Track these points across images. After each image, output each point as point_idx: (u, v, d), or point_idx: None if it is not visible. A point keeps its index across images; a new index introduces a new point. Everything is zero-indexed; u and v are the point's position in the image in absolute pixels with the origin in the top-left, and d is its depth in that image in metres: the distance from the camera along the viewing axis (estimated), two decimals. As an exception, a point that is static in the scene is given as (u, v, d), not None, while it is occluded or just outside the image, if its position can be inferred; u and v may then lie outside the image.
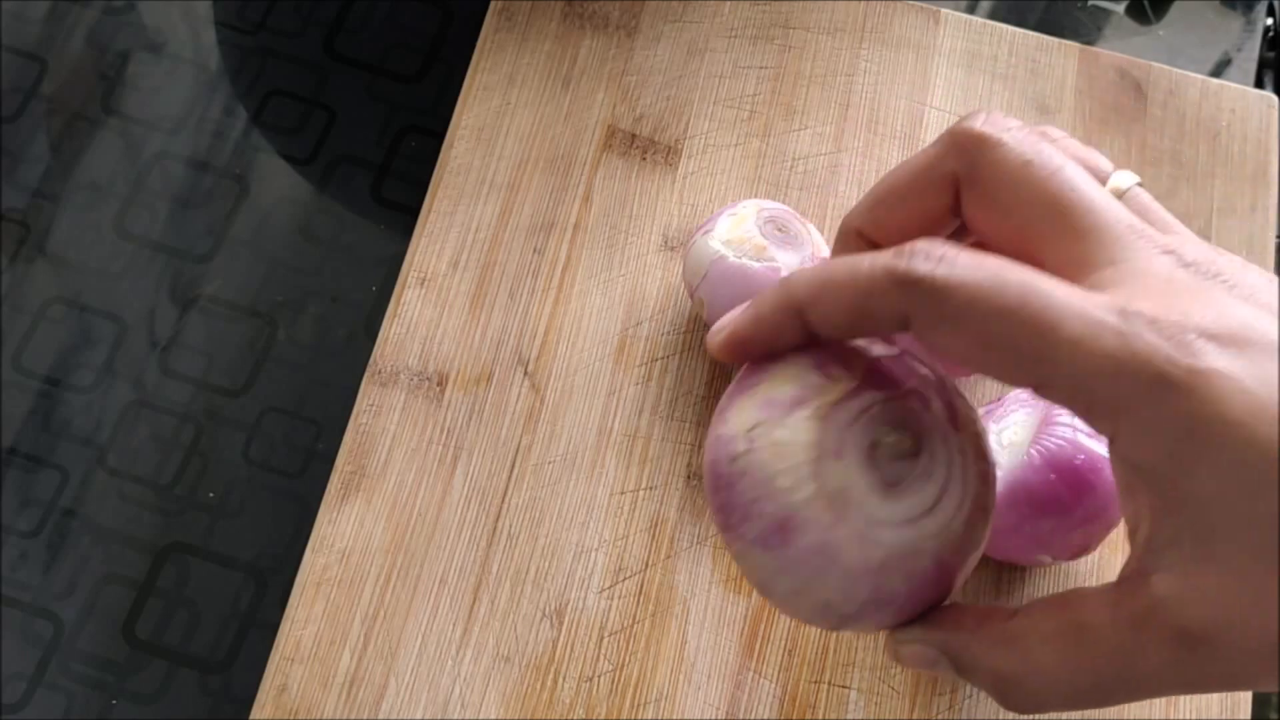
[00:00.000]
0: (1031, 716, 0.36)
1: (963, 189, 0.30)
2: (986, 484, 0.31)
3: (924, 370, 0.32)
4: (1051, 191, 0.29)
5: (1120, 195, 0.31)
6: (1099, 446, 0.37)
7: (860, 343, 0.32)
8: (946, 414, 0.31)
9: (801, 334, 0.31)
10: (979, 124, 0.30)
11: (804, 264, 0.41)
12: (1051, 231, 0.29)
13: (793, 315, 0.31)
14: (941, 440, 0.31)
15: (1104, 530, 0.38)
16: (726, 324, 0.32)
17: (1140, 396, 0.26)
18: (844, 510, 0.30)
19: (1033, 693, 0.29)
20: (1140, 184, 0.32)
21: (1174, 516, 0.27)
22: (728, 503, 0.31)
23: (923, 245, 0.28)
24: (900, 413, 0.31)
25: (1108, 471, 0.37)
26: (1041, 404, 0.39)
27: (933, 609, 0.31)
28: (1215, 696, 0.40)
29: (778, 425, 0.30)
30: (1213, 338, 0.26)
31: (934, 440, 0.31)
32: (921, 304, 0.28)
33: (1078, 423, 0.38)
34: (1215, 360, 0.26)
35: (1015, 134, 0.29)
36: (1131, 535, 0.29)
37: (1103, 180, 0.31)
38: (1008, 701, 0.30)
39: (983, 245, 0.30)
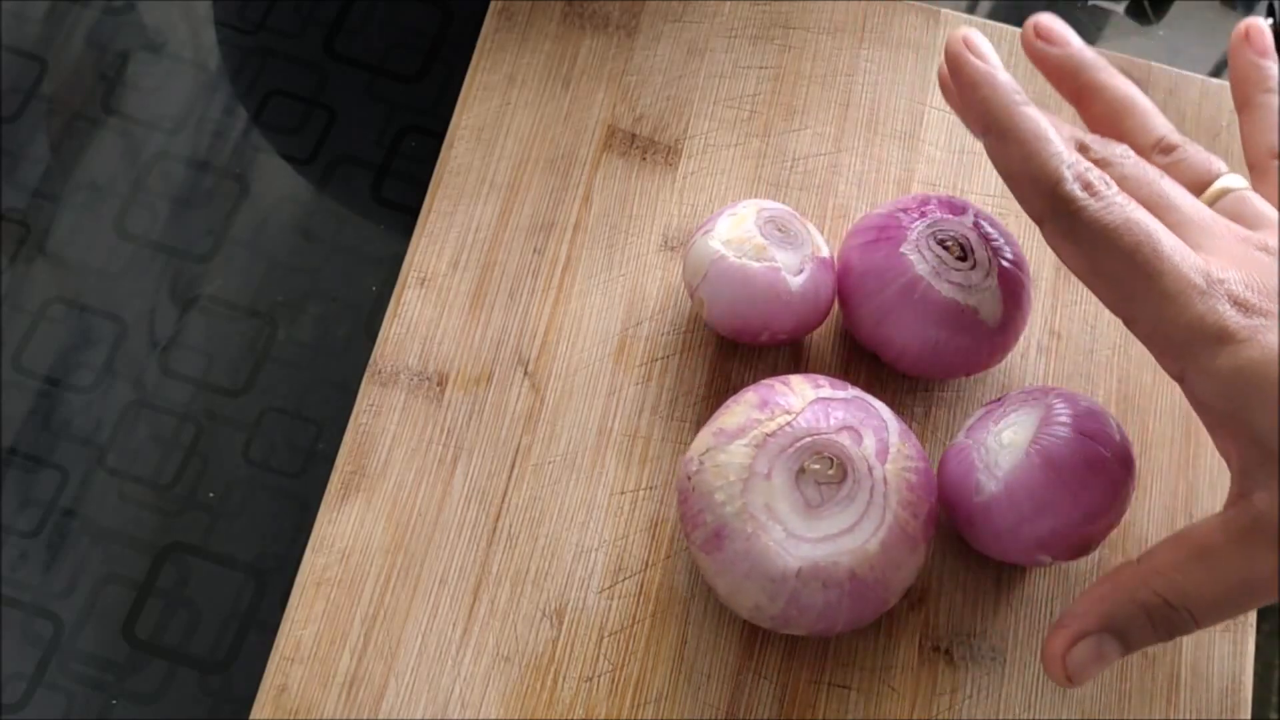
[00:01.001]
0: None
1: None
2: (913, 513, 0.37)
3: (862, 409, 0.37)
4: (1153, 196, 0.35)
5: (1223, 195, 0.37)
6: (1099, 446, 0.37)
7: (808, 383, 0.38)
8: (878, 449, 0.37)
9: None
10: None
11: (804, 264, 0.41)
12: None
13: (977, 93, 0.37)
14: (868, 472, 0.36)
15: (1104, 530, 0.38)
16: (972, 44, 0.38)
17: (1207, 348, 0.32)
18: (766, 523, 0.36)
19: (1188, 613, 0.34)
20: (1247, 188, 0.37)
21: (1251, 444, 0.33)
22: (685, 514, 0.37)
23: (1094, 176, 0.34)
24: (829, 445, 0.36)
25: (1108, 471, 0.37)
26: (1041, 403, 0.39)
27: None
28: (1215, 695, 0.40)
29: (721, 451, 0.37)
30: (1273, 312, 0.32)
31: (860, 471, 0.36)
32: (1059, 214, 0.34)
33: (1077, 422, 0.38)
34: (1270, 319, 0.32)
35: (1121, 155, 0.37)
36: (1229, 464, 0.34)
37: (1210, 181, 0.37)
38: (1172, 631, 0.34)
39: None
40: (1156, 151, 0.38)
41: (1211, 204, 0.37)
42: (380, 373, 0.43)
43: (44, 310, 0.47)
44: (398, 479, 0.41)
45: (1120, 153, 0.36)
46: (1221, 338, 0.32)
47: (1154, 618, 0.34)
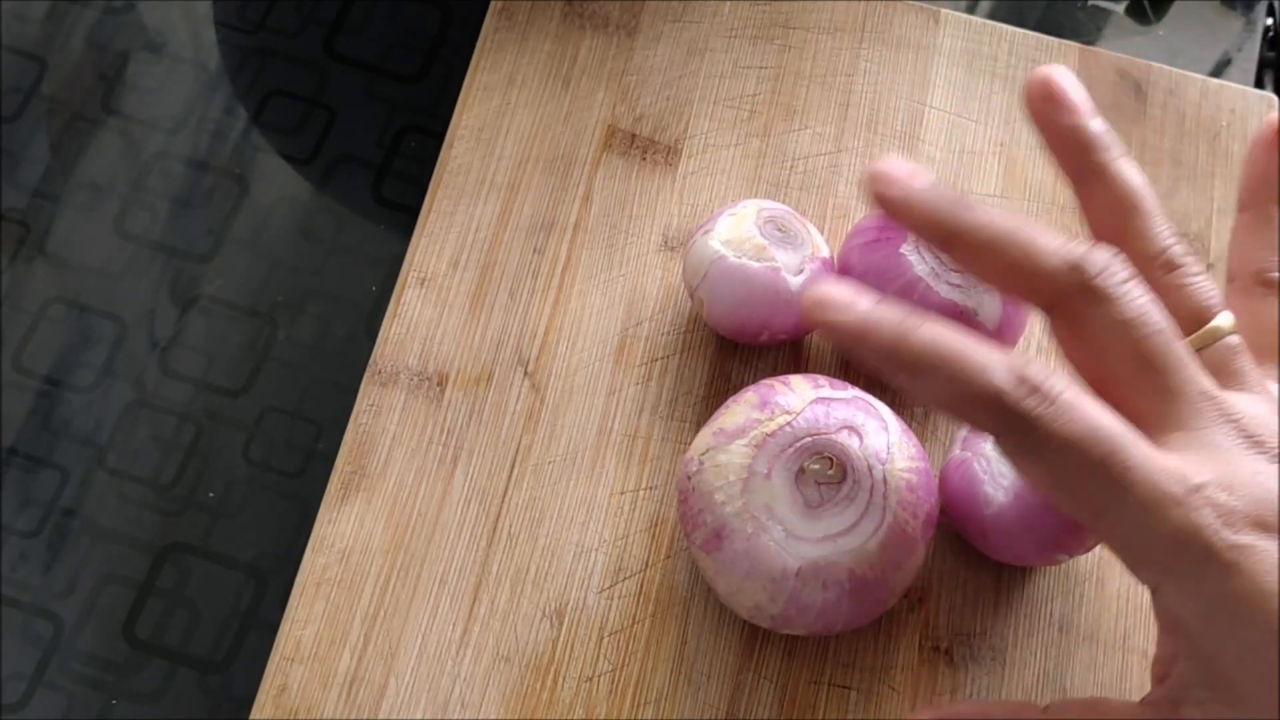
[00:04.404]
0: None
1: (1057, 316, 0.32)
2: (912, 513, 0.37)
3: (862, 409, 0.37)
4: (1145, 351, 0.31)
5: (1218, 338, 0.33)
6: None
7: (808, 383, 0.38)
8: (877, 450, 0.37)
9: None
10: (1095, 273, 0.31)
11: (804, 264, 0.41)
12: (1135, 384, 0.31)
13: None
14: (867, 471, 0.36)
15: None
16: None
17: (1187, 565, 0.30)
18: (767, 523, 0.36)
19: None
20: (1236, 336, 0.33)
21: (1205, 665, 0.31)
22: (684, 514, 0.38)
23: (1035, 373, 0.30)
24: (829, 445, 0.36)
25: None
26: None
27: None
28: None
29: (721, 450, 0.37)
30: (1258, 522, 0.30)
31: (859, 471, 0.36)
32: (1014, 430, 0.30)
33: None
34: (1257, 540, 0.29)
35: (1127, 288, 0.31)
36: (1163, 662, 0.33)
37: (1206, 319, 0.33)
38: None
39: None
40: (1158, 266, 0.33)
41: (1200, 348, 0.33)
42: (380, 373, 0.43)
43: (44, 310, 0.47)
44: (398, 479, 0.41)
45: (1128, 284, 0.31)
46: (1205, 556, 0.29)
47: None
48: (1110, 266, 0.31)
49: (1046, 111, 0.34)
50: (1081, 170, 0.34)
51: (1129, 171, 0.34)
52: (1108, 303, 0.31)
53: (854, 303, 0.31)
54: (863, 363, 0.32)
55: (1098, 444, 0.29)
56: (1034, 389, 0.30)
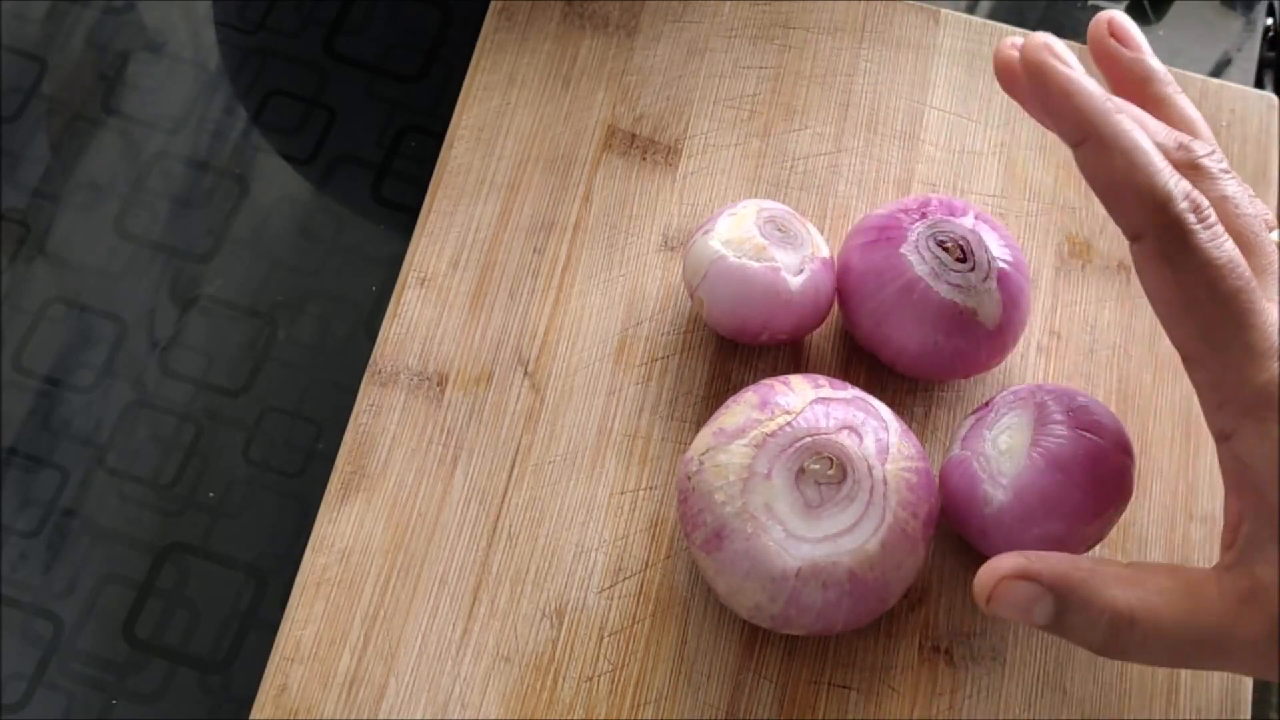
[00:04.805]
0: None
1: None
2: (912, 513, 0.37)
3: (862, 409, 0.37)
4: (1240, 229, 0.34)
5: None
6: (1098, 439, 0.37)
7: (808, 383, 0.38)
8: (878, 449, 0.37)
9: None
10: (1204, 153, 0.35)
11: (804, 264, 0.41)
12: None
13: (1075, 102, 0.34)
14: (868, 472, 0.36)
15: (1116, 516, 0.38)
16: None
17: (1272, 413, 0.31)
18: (767, 523, 0.36)
19: (1144, 634, 0.33)
20: None
21: (1272, 517, 0.32)
22: (685, 514, 0.38)
23: (1200, 197, 0.32)
24: (829, 445, 0.36)
25: (1111, 461, 0.37)
26: (1030, 403, 0.39)
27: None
28: (1215, 695, 0.40)
29: (721, 450, 0.37)
30: None
31: (859, 471, 0.36)
32: (1166, 234, 0.32)
33: (1072, 418, 0.38)
34: None
35: (1229, 174, 0.35)
36: (1232, 527, 0.34)
37: (1269, 229, 0.35)
38: (1116, 641, 0.33)
39: None
40: None
41: None
42: (380, 373, 0.43)
43: (44, 310, 0.47)
44: (398, 479, 0.41)
45: (1224, 166, 0.35)
46: None
47: (1109, 622, 0.33)
48: (1215, 151, 0.35)
49: (1111, 47, 0.38)
50: (1143, 100, 0.37)
51: (1187, 103, 0.37)
52: (1212, 179, 0.34)
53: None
54: (1045, 110, 0.34)
55: (1236, 277, 0.32)
56: (1197, 207, 0.32)
